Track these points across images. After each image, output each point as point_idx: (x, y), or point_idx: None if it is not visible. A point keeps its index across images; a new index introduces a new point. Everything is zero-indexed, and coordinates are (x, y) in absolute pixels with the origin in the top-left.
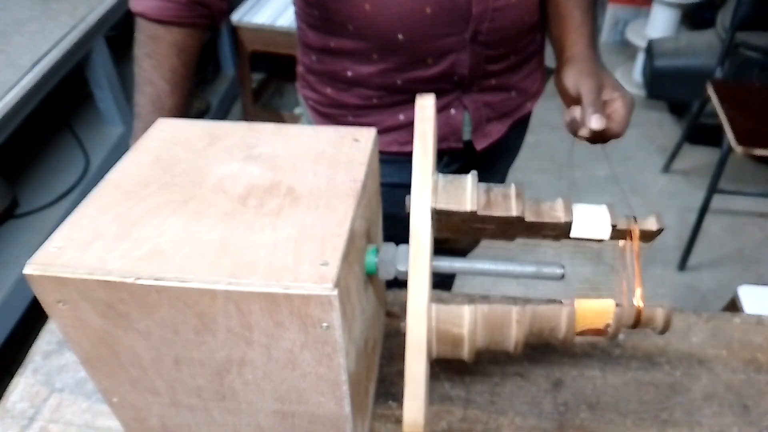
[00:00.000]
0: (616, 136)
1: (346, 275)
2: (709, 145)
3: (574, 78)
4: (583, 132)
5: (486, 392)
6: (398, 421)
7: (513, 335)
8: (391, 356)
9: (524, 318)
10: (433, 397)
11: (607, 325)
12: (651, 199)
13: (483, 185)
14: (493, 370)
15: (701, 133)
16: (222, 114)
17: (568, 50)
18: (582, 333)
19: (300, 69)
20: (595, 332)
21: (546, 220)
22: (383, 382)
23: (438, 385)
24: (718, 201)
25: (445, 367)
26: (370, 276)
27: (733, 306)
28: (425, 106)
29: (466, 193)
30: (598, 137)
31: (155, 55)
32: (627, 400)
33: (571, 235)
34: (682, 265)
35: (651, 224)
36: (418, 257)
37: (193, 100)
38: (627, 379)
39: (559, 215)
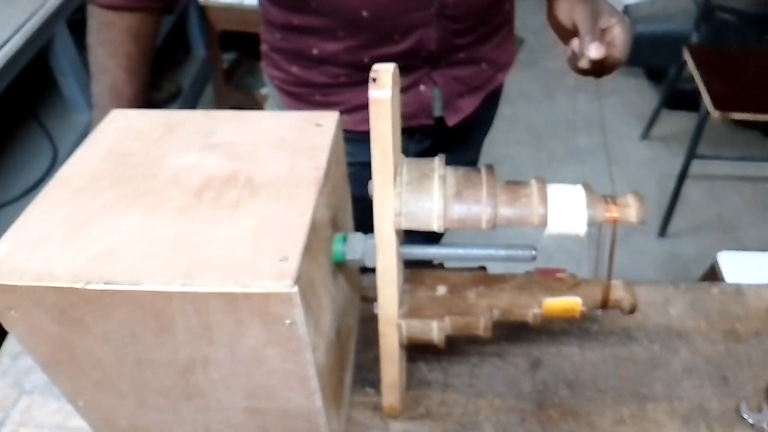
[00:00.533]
0: (619, 63)
1: (309, 268)
2: (687, 110)
3: (567, 9)
4: (583, 63)
5: (464, 374)
6: (376, 407)
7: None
8: (367, 342)
9: (491, 323)
10: (410, 381)
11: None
12: (630, 167)
13: (452, 185)
14: (470, 351)
15: (679, 99)
16: (194, 96)
17: None
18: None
19: (264, 47)
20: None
21: (520, 221)
22: (360, 368)
23: (415, 369)
24: (697, 166)
25: (422, 351)
26: (340, 264)
27: (713, 273)
28: (380, 100)
29: (432, 204)
30: (600, 67)
31: (109, 42)
32: (606, 376)
33: (546, 233)
34: (663, 232)
35: (630, 215)
36: (385, 273)
37: (163, 83)
38: (605, 355)
39: (533, 211)
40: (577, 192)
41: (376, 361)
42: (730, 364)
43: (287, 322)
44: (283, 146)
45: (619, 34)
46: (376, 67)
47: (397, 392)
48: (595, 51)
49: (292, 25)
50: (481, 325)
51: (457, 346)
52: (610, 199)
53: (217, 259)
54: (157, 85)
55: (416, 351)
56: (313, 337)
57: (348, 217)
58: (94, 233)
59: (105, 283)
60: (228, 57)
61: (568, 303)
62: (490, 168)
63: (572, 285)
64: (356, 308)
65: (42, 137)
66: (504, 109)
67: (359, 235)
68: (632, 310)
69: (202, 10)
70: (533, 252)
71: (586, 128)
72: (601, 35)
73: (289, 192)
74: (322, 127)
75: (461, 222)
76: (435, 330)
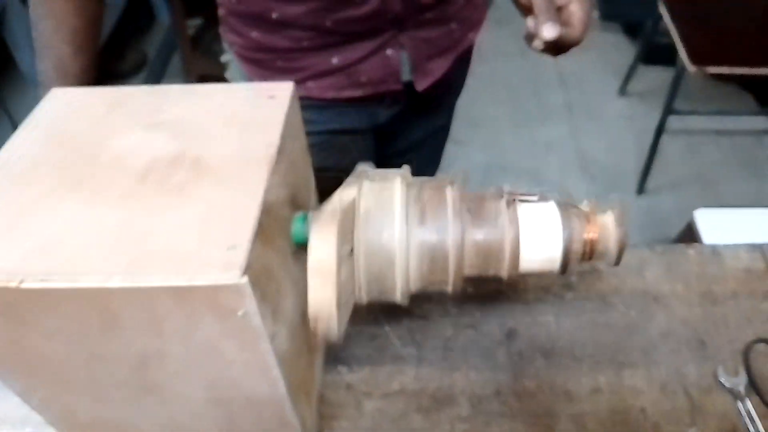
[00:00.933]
0: (576, 42)
1: (262, 255)
2: (664, 65)
3: None
4: (537, 44)
5: (438, 348)
6: (349, 386)
7: (451, 276)
8: None
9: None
10: (384, 357)
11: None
12: (608, 123)
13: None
14: (444, 324)
15: (656, 53)
16: (160, 65)
17: None
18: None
19: (221, 11)
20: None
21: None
22: (331, 347)
23: (388, 344)
24: (674, 122)
25: (395, 326)
26: (303, 245)
27: (690, 231)
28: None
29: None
30: (556, 47)
31: (52, 15)
32: (582, 344)
33: (520, 270)
34: (641, 188)
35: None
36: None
37: (128, 52)
38: (581, 322)
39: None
40: (551, 212)
41: (348, 338)
42: (707, 327)
43: (240, 313)
44: (233, 122)
45: (576, 12)
46: None
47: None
48: (548, 31)
49: None
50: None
51: (430, 319)
52: (585, 215)
53: (161, 251)
54: (122, 54)
55: (390, 326)
56: (271, 326)
57: (310, 193)
58: (30, 225)
59: (41, 281)
60: (194, 23)
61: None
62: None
63: None
64: None
65: (1, 115)
66: (480, 68)
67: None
68: (618, 259)
69: None
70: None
71: (563, 85)
72: (557, 12)
73: (239, 172)
74: (275, 99)
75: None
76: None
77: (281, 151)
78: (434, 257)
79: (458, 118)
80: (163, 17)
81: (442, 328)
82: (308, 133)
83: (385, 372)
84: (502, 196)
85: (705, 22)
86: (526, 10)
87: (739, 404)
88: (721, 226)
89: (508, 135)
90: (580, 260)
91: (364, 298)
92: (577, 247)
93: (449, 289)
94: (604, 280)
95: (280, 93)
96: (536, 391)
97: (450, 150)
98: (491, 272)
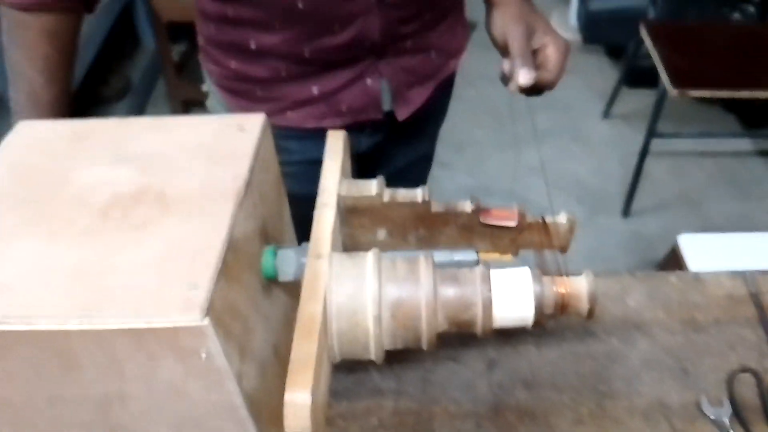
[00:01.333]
0: (550, 86)
1: (227, 292)
2: (647, 87)
3: (501, 25)
4: (512, 87)
5: (418, 380)
6: (327, 421)
7: (424, 332)
8: None
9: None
10: (362, 390)
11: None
12: (593, 146)
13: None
14: (424, 356)
15: (639, 76)
16: (145, 91)
17: None
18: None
19: (200, 41)
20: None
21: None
22: None
23: (367, 377)
24: (658, 144)
25: None
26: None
27: (675, 256)
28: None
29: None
30: (532, 89)
31: (25, 44)
32: (563, 374)
33: (494, 326)
34: (626, 210)
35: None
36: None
37: (112, 77)
38: (563, 351)
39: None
40: (522, 271)
41: None
42: (689, 355)
43: (203, 354)
44: (200, 155)
45: (551, 55)
46: None
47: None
48: (524, 77)
49: (226, 17)
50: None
51: (411, 351)
52: (559, 280)
53: (119, 291)
54: (106, 80)
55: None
56: (238, 365)
57: (283, 225)
58: None
59: None
60: (179, 48)
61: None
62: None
63: (516, 234)
64: None
65: None
66: (465, 92)
67: (291, 253)
68: (591, 313)
69: (148, 0)
70: (476, 257)
71: (547, 108)
72: (533, 55)
73: (204, 207)
74: (245, 130)
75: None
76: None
77: (249, 183)
78: (406, 315)
79: (444, 141)
80: (149, 42)
81: (421, 360)
82: (289, 163)
83: (363, 406)
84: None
85: (686, 46)
86: (503, 50)
87: None
88: (706, 251)
89: (493, 158)
90: (552, 316)
91: (337, 357)
92: (548, 305)
93: (424, 347)
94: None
95: (251, 124)
96: (517, 424)
97: (436, 173)
98: (464, 329)
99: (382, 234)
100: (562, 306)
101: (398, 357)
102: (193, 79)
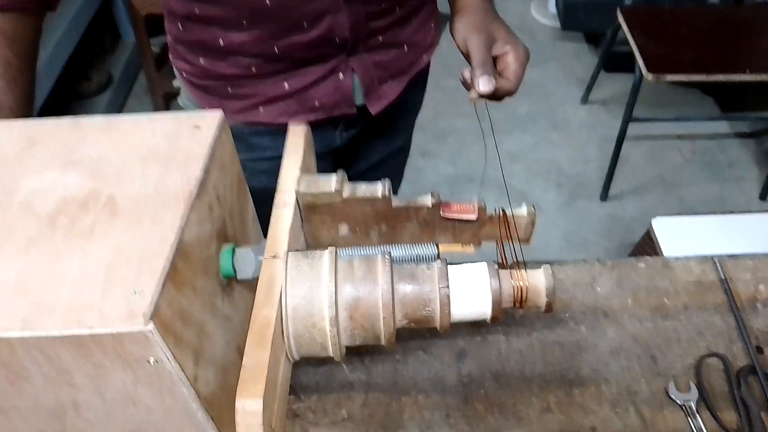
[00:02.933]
0: (509, 93)
1: (176, 298)
2: (625, 72)
3: (463, 33)
4: (473, 94)
5: (388, 372)
6: (295, 415)
7: (382, 331)
8: None
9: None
10: (332, 384)
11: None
12: (571, 132)
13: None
14: (394, 348)
15: (616, 61)
16: (127, 85)
17: (458, 0)
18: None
19: (169, 39)
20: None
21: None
22: None
23: (337, 370)
24: (636, 128)
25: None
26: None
27: (649, 239)
28: None
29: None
30: (491, 96)
31: None
32: (532, 363)
33: (452, 321)
34: (604, 195)
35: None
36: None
37: (93, 73)
38: (532, 340)
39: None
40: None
41: (296, 365)
42: (658, 342)
43: (151, 360)
44: (154, 157)
45: (512, 64)
46: None
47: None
48: (483, 85)
49: (193, 15)
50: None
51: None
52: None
53: (62, 299)
54: (86, 75)
55: None
56: (193, 369)
57: (246, 224)
58: None
59: None
60: (159, 41)
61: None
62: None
63: (477, 228)
64: None
65: None
66: (447, 82)
67: (249, 252)
68: (549, 307)
69: None
70: (436, 250)
71: (527, 95)
72: (493, 63)
73: (155, 212)
74: (200, 129)
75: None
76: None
77: (205, 185)
78: (364, 315)
79: (426, 130)
80: (129, 36)
81: (392, 352)
82: (261, 159)
83: (332, 399)
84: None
85: (662, 31)
86: (466, 57)
87: (690, 421)
88: (680, 234)
89: (474, 146)
90: (510, 308)
91: (295, 357)
92: (506, 300)
93: (383, 342)
94: (556, 297)
95: (207, 123)
96: (486, 414)
97: (418, 162)
98: (423, 325)
99: (344, 230)
100: (521, 300)
101: (368, 349)
102: (173, 73)
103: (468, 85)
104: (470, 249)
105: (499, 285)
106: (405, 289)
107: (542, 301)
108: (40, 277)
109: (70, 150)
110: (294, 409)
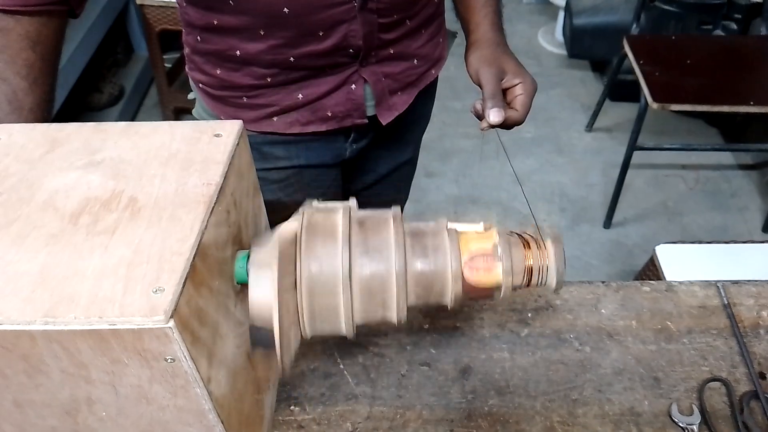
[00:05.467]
0: (518, 123)
1: (194, 298)
2: (630, 101)
3: (476, 66)
4: (484, 124)
5: (392, 386)
6: (300, 426)
7: (394, 303)
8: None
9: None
10: (337, 396)
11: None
12: (576, 157)
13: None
14: (399, 361)
15: (622, 90)
16: (138, 98)
17: (472, 33)
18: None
19: (186, 50)
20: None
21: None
22: (284, 385)
23: (343, 383)
24: (641, 156)
25: (350, 364)
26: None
27: (652, 265)
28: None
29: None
30: (501, 125)
31: (5, 49)
32: (536, 381)
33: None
34: (608, 222)
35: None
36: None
37: (105, 85)
38: (536, 359)
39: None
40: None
41: (302, 377)
42: (661, 364)
43: (168, 358)
44: (175, 161)
45: (519, 97)
46: None
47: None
48: (494, 117)
49: (212, 26)
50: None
51: (386, 356)
52: (526, 239)
53: (84, 294)
54: (98, 87)
55: (344, 363)
56: (206, 370)
57: (260, 231)
58: None
59: None
60: (171, 56)
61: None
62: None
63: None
64: None
65: None
66: (453, 104)
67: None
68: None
69: (140, 9)
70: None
71: (532, 120)
72: (503, 95)
73: (175, 213)
74: (220, 137)
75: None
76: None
77: (223, 190)
78: (378, 287)
79: (431, 150)
80: (141, 50)
81: (397, 365)
82: (275, 169)
83: (337, 412)
84: (444, 229)
85: (668, 60)
86: (478, 86)
87: None
88: (683, 261)
89: (478, 168)
90: (520, 286)
91: (308, 333)
92: (517, 274)
93: (394, 318)
94: (560, 316)
95: (227, 131)
96: (489, 430)
97: (422, 182)
98: (434, 301)
99: None
100: (529, 280)
101: (373, 362)
102: (184, 87)
103: (480, 116)
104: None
105: (511, 263)
106: (418, 265)
107: (552, 280)
108: (62, 272)
109: (92, 152)
110: (299, 420)
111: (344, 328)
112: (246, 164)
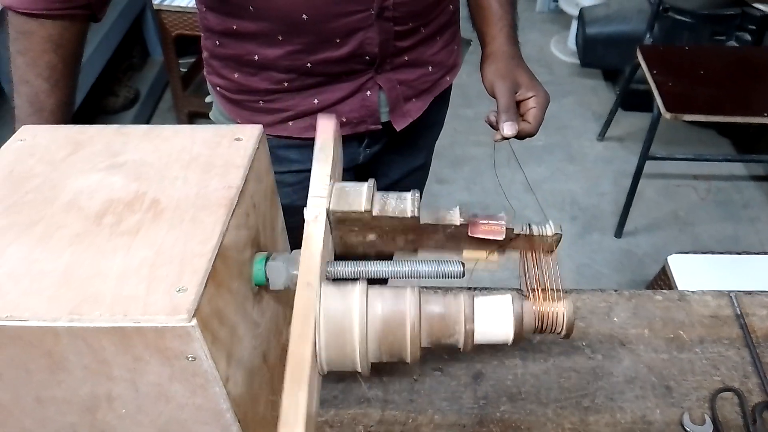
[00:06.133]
0: (530, 135)
1: (215, 298)
2: (642, 111)
3: (491, 79)
4: (497, 136)
5: (405, 390)
6: (316, 427)
7: (408, 348)
8: None
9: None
10: (350, 399)
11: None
12: (588, 166)
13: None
14: (411, 366)
15: (634, 99)
16: (153, 102)
17: (488, 45)
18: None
19: (204, 54)
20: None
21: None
22: None
23: (355, 386)
24: (652, 165)
25: None
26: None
27: (664, 275)
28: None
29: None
30: (514, 137)
31: (28, 51)
32: (548, 388)
33: (475, 342)
34: (619, 230)
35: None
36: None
37: (120, 89)
38: (548, 366)
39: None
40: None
41: None
42: (673, 372)
43: (189, 357)
44: (196, 164)
45: (533, 110)
46: None
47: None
48: (508, 130)
49: (231, 31)
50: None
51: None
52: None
53: (108, 293)
54: (114, 91)
55: None
56: (225, 369)
57: (276, 234)
58: None
59: None
60: (186, 61)
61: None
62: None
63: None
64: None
65: None
66: (465, 111)
67: (281, 263)
68: (568, 333)
69: (157, 14)
70: (462, 268)
71: (544, 128)
72: (516, 107)
73: (197, 215)
74: (241, 141)
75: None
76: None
77: (243, 193)
78: (392, 330)
79: (443, 157)
80: (157, 55)
81: (409, 370)
82: (289, 173)
83: (350, 415)
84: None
85: (681, 70)
86: (493, 97)
87: None
88: (694, 271)
89: (489, 175)
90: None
91: (324, 370)
92: (528, 329)
93: (408, 360)
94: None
95: (247, 135)
96: None
97: (434, 188)
98: (447, 342)
99: (371, 236)
100: (541, 327)
101: (386, 367)
102: (198, 91)
103: (494, 127)
104: (494, 258)
105: (522, 315)
106: (432, 311)
107: (561, 331)
108: (86, 271)
109: (114, 154)
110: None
111: (359, 367)
112: (265, 168)
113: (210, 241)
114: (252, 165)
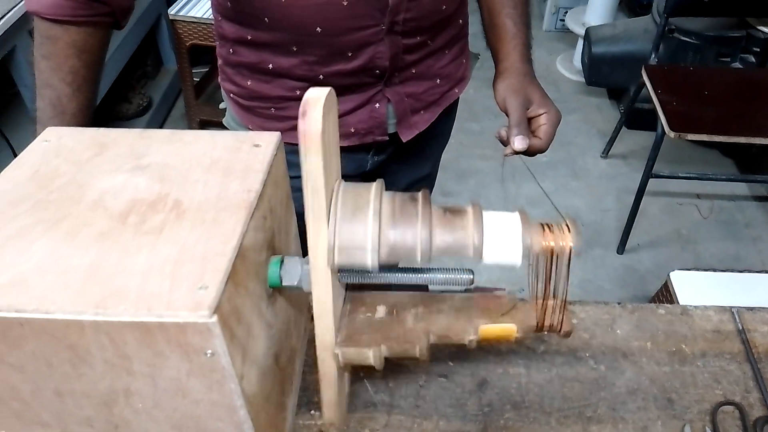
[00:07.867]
0: (540, 151)
1: (233, 296)
2: (646, 129)
3: (503, 94)
4: (508, 151)
5: (410, 396)
6: (320, 430)
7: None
8: (314, 363)
9: (427, 349)
10: (356, 403)
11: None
12: (591, 182)
13: (387, 217)
14: (417, 372)
15: (638, 118)
16: (165, 110)
17: (501, 62)
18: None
19: (219, 61)
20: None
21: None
22: (306, 390)
23: (361, 390)
24: (655, 183)
25: (369, 371)
26: (279, 288)
27: (666, 291)
28: (309, 133)
29: (367, 241)
30: (524, 152)
31: (53, 56)
32: (551, 397)
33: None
34: (622, 247)
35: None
36: (320, 304)
37: (133, 96)
38: (551, 375)
39: (469, 244)
40: (513, 221)
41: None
42: (675, 385)
43: (208, 353)
44: (217, 168)
45: (543, 127)
46: (308, 94)
47: (336, 410)
48: (519, 144)
49: (245, 40)
50: (417, 351)
51: (404, 365)
52: (547, 225)
53: (133, 289)
54: (127, 98)
55: (363, 371)
56: (240, 367)
57: (290, 238)
58: (5, 260)
59: (15, 312)
60: (199, 70)
61: (503, 329)
62: (426, 198)
63: (509, 307)
64: (303, 329)
65: (5, 150)
66: (471, 125)
67: (296, 259)
68: (567, 335)
69: (172, 24)
70: (471, 276)
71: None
72: (528, 123)
73: (216, 216)
74: (260, 147)
75: (395, 257)
76: (371, 357)
77: (261, 197)
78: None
79: (448, 170)
80: (170, 63)
81: (415, 376)
82: (298, 177)
83: (356, 418)
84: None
85: (685, 90)
86: (505, 113)
87: None
88: (696, 288)
89: (494, 188)
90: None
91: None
92: (536, 245)
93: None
94: (575, 335)
95: (266, 142)
96: None
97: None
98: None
99: (381, 312)
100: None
101: (393, 372)
102: (210, 100)
103: (504, 142)
104: (511, 327)
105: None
106: (442, 245)
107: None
108: (111, 267)
109: (138, 156)
110: (319, 425)
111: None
112: (281, 174)
113: (231, 241)
114: (270, 170)
